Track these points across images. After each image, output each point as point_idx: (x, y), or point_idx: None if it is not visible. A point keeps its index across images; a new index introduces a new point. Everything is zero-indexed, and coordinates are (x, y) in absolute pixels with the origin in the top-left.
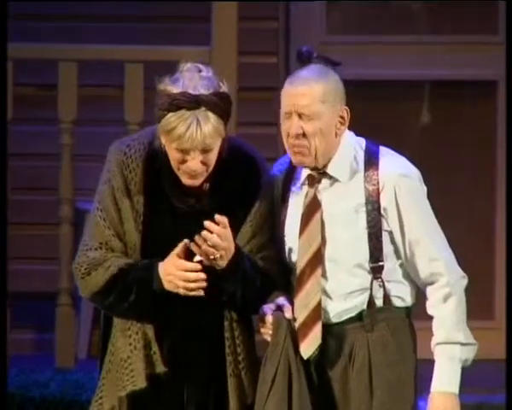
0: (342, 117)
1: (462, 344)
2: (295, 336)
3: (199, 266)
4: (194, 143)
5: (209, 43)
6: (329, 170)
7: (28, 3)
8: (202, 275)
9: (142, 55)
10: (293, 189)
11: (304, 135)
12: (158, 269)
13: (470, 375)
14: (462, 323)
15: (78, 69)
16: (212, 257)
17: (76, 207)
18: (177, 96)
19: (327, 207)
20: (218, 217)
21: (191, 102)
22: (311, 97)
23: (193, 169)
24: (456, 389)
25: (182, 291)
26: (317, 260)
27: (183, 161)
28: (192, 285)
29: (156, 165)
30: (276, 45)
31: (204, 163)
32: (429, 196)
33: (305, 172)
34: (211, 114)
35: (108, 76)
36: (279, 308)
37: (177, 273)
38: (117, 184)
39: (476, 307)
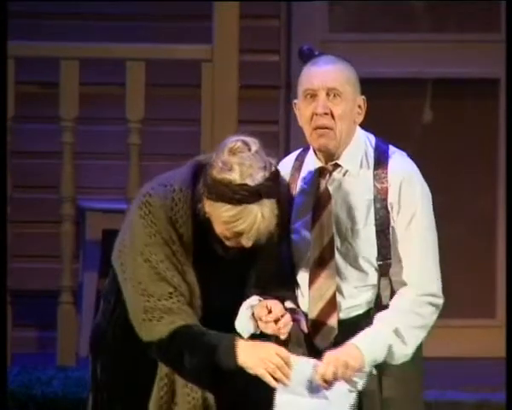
0: (360, 106)
1: (400, 342)
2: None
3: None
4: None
5: (211, 41)
6: (341, 161)
7: (29, 1)
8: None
9: (144, 53)
10: (301, 185)
11: (331, 116)
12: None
13: (472, 373)
14: (411, 336)
15: (80, 67)
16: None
17: (77, 205)
18: (238, 190)
19: (337, 200)
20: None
21: (253, 196)
22: (339, 75)
23: (245, 246)
24: (366, 352)
25: (264, 373)
26: (331, 251)
27: (236, 239)
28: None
29: (200, 219)
30: (277, 43)
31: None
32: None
33: (314, 166)
34: (269, 202)
35: (110, 74)
36: (294, 320)
37: (275, 360)
38: (170, 238)
39: (478, 305)
